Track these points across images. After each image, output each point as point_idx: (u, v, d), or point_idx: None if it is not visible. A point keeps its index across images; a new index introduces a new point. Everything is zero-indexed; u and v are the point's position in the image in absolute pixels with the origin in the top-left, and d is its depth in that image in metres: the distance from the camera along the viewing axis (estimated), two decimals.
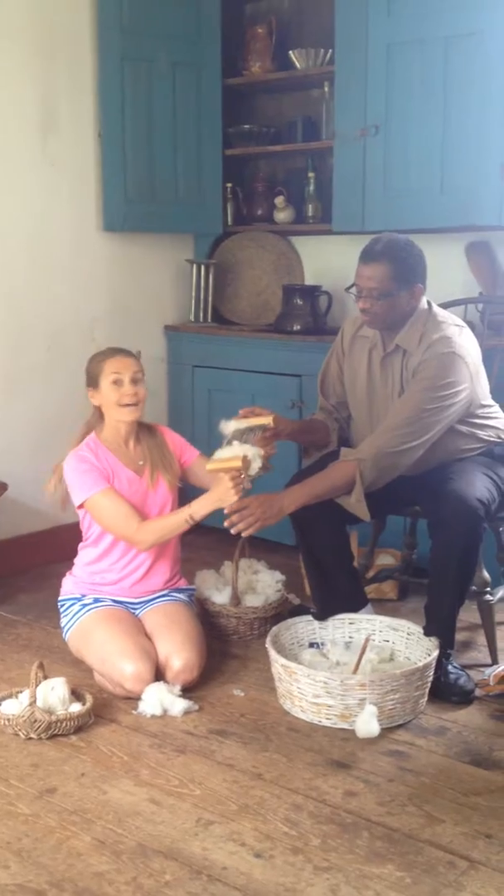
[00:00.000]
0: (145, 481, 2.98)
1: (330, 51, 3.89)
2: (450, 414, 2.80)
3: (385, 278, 2.76)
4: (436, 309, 2.90)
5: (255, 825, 2.20)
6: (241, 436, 2.84)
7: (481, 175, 3.45)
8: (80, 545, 3.08)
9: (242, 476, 2.76)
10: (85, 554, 3.05)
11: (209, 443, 4.07)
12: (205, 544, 3.78)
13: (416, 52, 3.55)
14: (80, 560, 3.07)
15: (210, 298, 4.34)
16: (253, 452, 2.78)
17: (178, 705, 2.69)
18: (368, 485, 2.77)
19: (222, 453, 2.81)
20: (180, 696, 2.73)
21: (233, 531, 2.77)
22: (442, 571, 2.81)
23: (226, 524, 2.77)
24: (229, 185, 4.32)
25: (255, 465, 2.78)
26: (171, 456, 3.06)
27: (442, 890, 1.98)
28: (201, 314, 4.35)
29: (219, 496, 2.80)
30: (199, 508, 2.84)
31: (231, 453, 2.79)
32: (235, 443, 2.82)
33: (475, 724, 2.66)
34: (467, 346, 2.83)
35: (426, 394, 2.76)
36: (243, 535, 2.78)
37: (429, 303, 2.90)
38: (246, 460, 2.76)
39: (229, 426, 2.87)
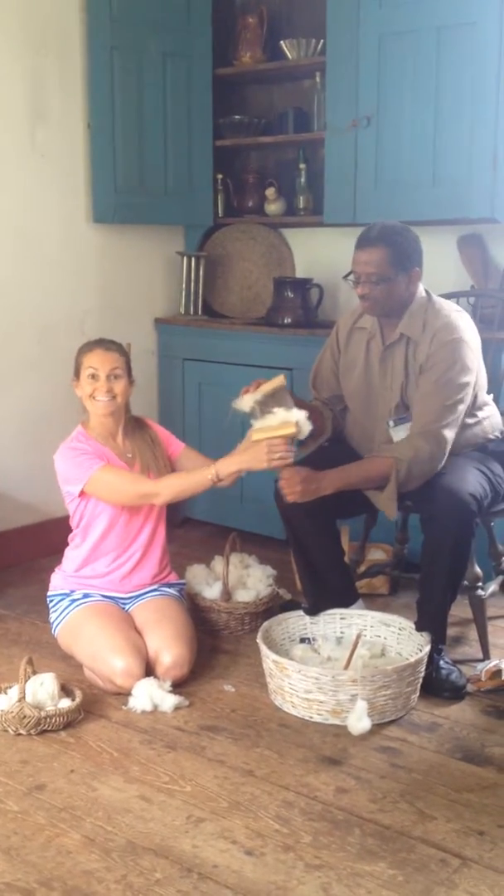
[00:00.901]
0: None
1: (321, 41, 3.86)
2: (467, 403, 2.81)
3: (383, 262, 2.76)
4: (435, 297, 2.90)
5: (245, 822, 2.19)
6: (261, 406, 2.76)
7: (473, 167, 3.43)
8: (70, 538, 3.05)
9: (293, 441, 2.70)
10: (74, 547, 3.03)
11: (200, 435, 4.08)
12: (195, 539, 3.77)
13: (407, 43, 3.52)
14: (68, 555, 3.05)
15: (200, 291, 4.31)
16: (301, 416, 2.70)
17: (169, 701, 2.67)
18: (400, 486, 2.76)
19: (265, 423, 2.72)
20: (170, 691, 2.71)
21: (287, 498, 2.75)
22: (434, 566, 2.79)
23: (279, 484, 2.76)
24: (220, 176, 4.28)
25: (306, 429, 2.70)
26: (160, 449, 3.04)
27: (434, 888, 1.97)
28: (192, 307, 4.32)
29: (249, 459, 2.75)
30: (225, 467, 2.79)
31: (276, 420, 2.70)
32: (277, 410, 2.71)
33: (467, 720, 2.65)
34: (470, 332, 2.83)
35: (445, 390, 2.76)
36: (288, 499, 2.75)
37: (427, 291, 2.90)
38: (298, 425, 2.68)
39: (244, 401, 2.78)
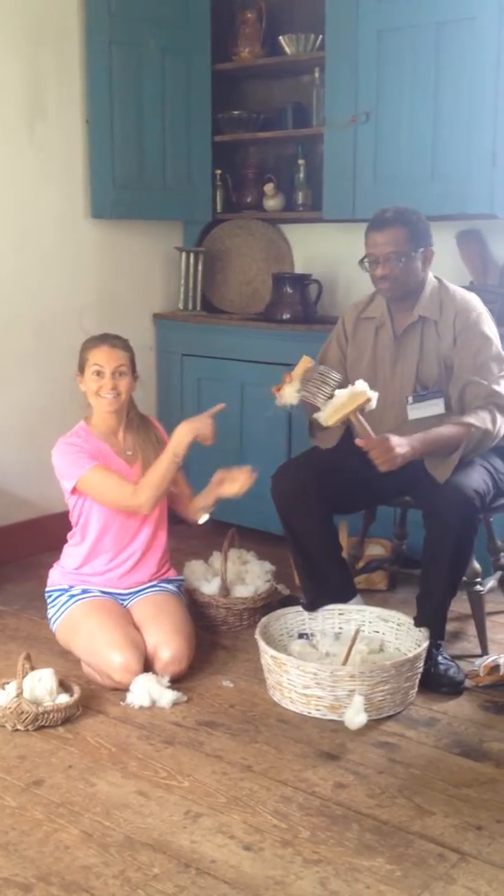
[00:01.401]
0: (136, 472, 2.96)
1: (321, 36, 3.85)
2: None
3: (402, 241, 2.83)
4: (444, 280, 2.98)
5: (244, 817, 2.18)
6: (306, 391, 2.75)
7: (472, 162, 3.43)
8: (69, 535, 3.05)
9: (364, 410, 2.70)
10: (73, 545, 3.02)
11: None
12: (194, 535, 3.76)
13: (407, 39, 3.52)
14: (67, 551, 3.04)
15: (199, 286, 4.31)
16: (363, 384, 2.69)
17: (167, 696, 2.67)
18: (467, 454, 2.77)
19: (333, 404, 2.71)
20: (169, 687, 2.71)
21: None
22: (435, 562, 2.79)
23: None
24: (218, 171, 4.27)
25: (374, 393, 2.69)
26: (162, 446, 3.04)
27: (432, 883, 1.97)
28: (190, 302, 4.31)
29: (190, 425, 2.84)
30: (177, 443, 2.85)
31: (345, 396, 2.68)
32: (340, 392, 2.70)
33: (465, 716, 2.65)
34: (485, 307, 2.94)
35: (492, 364, 2.83)
36: (382, 469, 2.69)
37: (436, 277, 2.97)
38: (367, 392, 2.67)
39: (287, 395, 2.78)
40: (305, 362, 2.78)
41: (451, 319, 2.88)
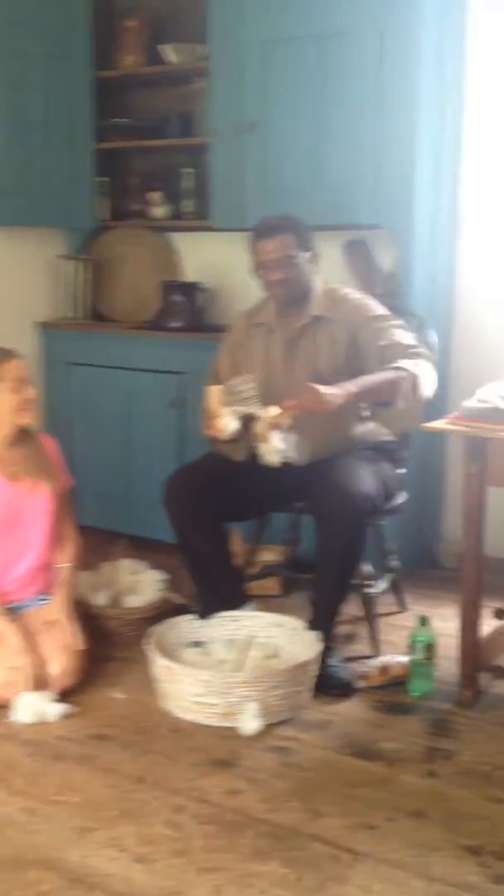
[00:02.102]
0: (21, 488, 2.89)
1: (205, 46, 3.85)
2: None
3: (291, 246, 2.89)
4: (334, 282, 3.08)
5: (136, 830, 2.14)
6: (233, 411, 2.74)
7: (357, 174, 3.48)
8: None
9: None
10: None
11: (89, 439, 4.01)
12: (84, 545, 3.69)
13: (290, 51, 3.54)
14: None
15: (87, 295, 4.25)
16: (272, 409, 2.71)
17: (56, 711, 2.60)
18: (405, 399, 2.78)
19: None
20: (58, 701, 2.64)
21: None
22: (326, 566, 2.81)
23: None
24: (105, 179, 4.23)
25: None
26: (50, 461, 2.97)
27: (327, 884, 1.96)
28: (78, 311, 4.25)
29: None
30: None
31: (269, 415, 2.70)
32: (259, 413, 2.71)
33: (358, 717, 2.66)
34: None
35: (397, 330, 2.91)
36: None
37: (324, 281, 3.04)
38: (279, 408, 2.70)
39: (225, 424, 2.75)
40: (212, 391, 2.77)
41: (347, 315, 2.94)
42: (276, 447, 2.69)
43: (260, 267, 2.92)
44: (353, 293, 3.03)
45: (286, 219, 2.93)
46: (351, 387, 2.72)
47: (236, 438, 2.78)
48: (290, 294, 2.93)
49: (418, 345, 2.92)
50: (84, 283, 4.24)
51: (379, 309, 2.98)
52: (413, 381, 2.79)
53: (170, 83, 4.18)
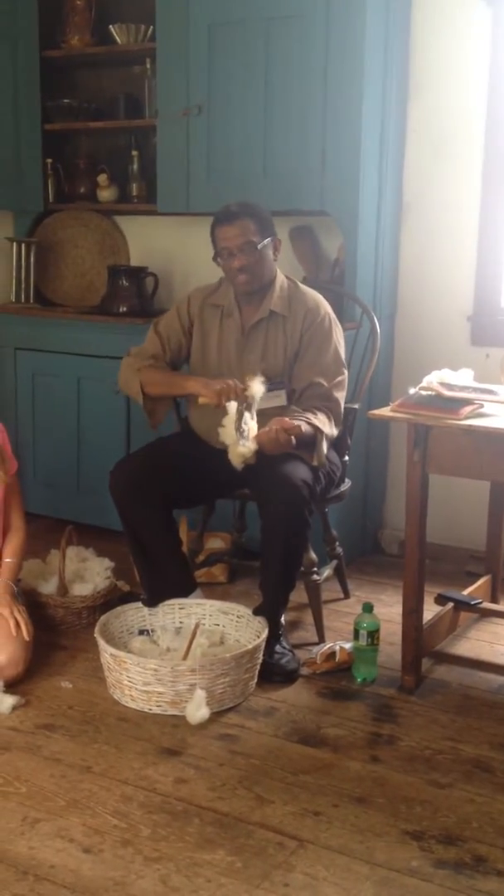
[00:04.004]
0: None
1: (151, 27, 3.81)
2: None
3: (252, 232, 2.89)
4: (296, 280, 3.06)
5: (83, 820, 2.16)
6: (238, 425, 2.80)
7: (302, 160, 3.48)
8: None
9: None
10: None
11: (34, 425, 3.97)
12: (30, 533, 3.67)
13: (237, 33, 3.53)
14: None
15: (32, 278, 4.20)
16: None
17: (3, 702, 2.60)
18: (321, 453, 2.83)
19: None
20: (4, 691, 2.64)
21: None
22: (270, 553, 2.83)
23: None
24: (49, 161, 4.17)
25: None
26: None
27: (272, 871, 2.00)
28: (23, 294, 4.20)
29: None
30: None
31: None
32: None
33: (303, 703, 2.70)
34: (334, 314, 3.04)
35: (332, 367, 2.94)
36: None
37: (286, 276, 3.04)
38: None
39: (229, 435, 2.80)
40: (231, 418, 2.80)
41: (301, 317, 2.95)
42: (246, 454, 2.75)
43: (221, 254, 2.91)
44: (314, 298, 3.00)
45: (246, 205, 2.93)
46: (305, 427, 2.78)
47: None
48: (251, 284, 2.92)
49: (338, 401, 2.94)
50: (29, 266, 4.18)
51: (331, 336, 2.96)
52: (322, 438, 2.84)
53: (116, 64, 4.13)
